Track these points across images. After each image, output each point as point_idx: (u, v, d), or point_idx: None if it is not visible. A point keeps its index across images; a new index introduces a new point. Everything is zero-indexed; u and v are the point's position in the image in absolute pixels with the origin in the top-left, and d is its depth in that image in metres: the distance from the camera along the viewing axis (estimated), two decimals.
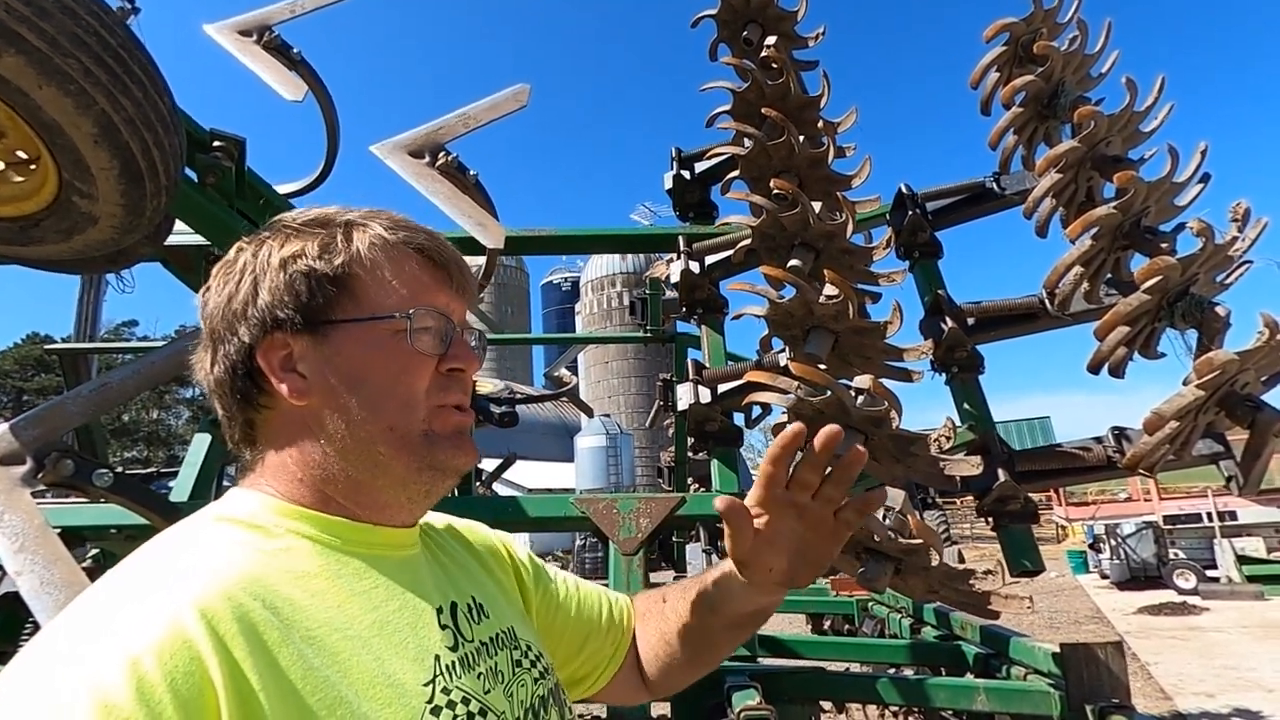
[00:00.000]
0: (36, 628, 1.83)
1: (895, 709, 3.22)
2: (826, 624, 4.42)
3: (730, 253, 2.37)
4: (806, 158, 1.89)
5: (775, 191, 1.71)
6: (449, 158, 1.98)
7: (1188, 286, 1.43)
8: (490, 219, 1.96)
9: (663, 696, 1.17)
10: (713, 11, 2.31)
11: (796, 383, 1.36)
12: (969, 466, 1.39)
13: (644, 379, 28.75)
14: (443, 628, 0.68)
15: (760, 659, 2.67)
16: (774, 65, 2.07)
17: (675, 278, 2.49)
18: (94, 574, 1.30)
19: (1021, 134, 1.86)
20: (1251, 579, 13.08)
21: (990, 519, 1.78)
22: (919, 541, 1.36)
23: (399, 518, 0.73)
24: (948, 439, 1.67)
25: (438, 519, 0.88)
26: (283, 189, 2.74)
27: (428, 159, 1.95)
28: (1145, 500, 16.64)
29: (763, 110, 1.95)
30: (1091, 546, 16.25)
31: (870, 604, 3.93)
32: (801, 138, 1.91)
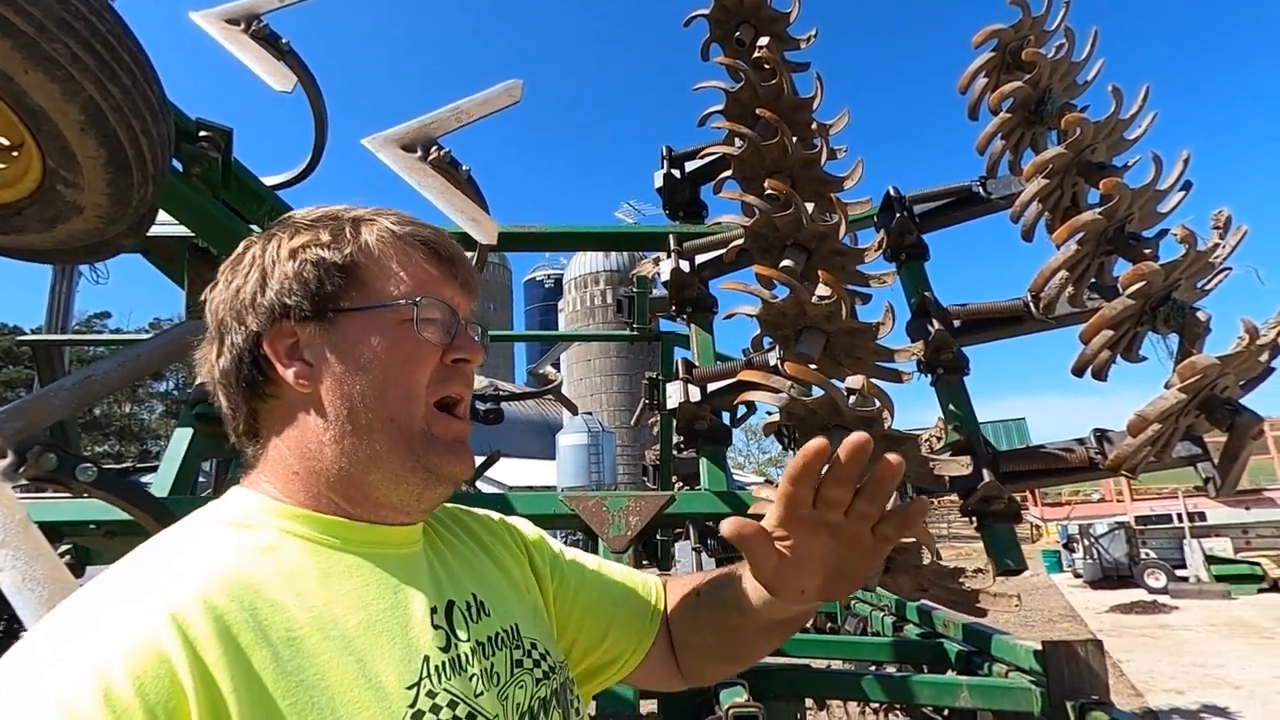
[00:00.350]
0: (15, 622, 1.79)
1: (875, 706, 3.26)
2: (809, 621, 4.46)
3: (720, 252, 2.38)
4: (800, 159, 1.90)
5: (769, 192, 1.72)
6: (441, 152, 1.95)
7: (1170, 292, 1.46)
8: (483, 214, 1.94)
9: (697, 686, 1.14)
10: (705, 11, 2.31)
11: (789, 382, 1.38)
12: (958, 467, 1.42)
13: (626, 377, 28.71)
14: (435, 628, 0.67)
15: None
16: (767, 66, 2.08)
17: (665, 276, 2.50)
18: (70, 570, 1.28)
19: (1008, 139, 1.89)
20: (1219, 578, 13.44)
21: (974, 518, 1.81)
22: (911, 540, 1.38)
23: (393, 518, 0.72)
24: (939, 439, 1.69)
25: (448, 510, 0.87)
26: (269, 180, 2.70)
27: (420, 153, 1.93)
28: (1118, 501, 16.93)
29: (757, 110, 1.96)
30: (1065, 546, 16.57)
31: (853, 601, 3.97)
32: (795, 139, 1.92)
